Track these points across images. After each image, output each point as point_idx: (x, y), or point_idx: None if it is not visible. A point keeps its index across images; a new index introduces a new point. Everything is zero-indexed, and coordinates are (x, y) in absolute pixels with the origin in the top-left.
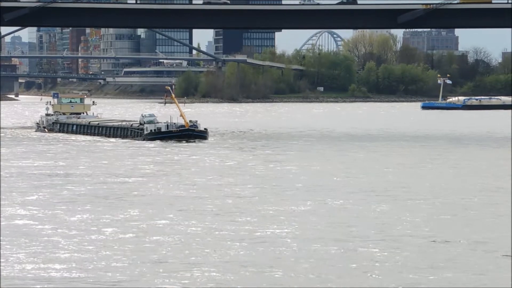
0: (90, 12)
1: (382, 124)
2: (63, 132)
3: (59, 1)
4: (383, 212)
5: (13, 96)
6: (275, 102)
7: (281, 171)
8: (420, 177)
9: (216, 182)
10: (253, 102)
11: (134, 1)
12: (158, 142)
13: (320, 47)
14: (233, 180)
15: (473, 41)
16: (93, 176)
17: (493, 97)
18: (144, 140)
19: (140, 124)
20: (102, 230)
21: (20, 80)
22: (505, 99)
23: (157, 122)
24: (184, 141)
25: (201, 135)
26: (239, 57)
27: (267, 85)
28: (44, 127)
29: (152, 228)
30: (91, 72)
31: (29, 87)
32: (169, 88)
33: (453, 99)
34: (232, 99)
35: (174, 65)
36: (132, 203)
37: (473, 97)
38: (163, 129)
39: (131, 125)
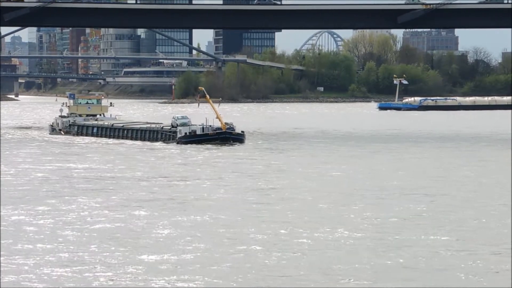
0: (90, 12)
1: (381, 125)
2: (81, 135)
3: (59, 1)
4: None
5: (13, 96)
6: (275, 102)
7: (336, 173)
8: (486, 179)
9: (277, 186)
10: (253, 102)
11: (134, 1)
12: (194, 145)
13: (320, 47)
14: (299, 183)
15: (473, 41)
16: (148, 180)
17: (448, 98)
18: (178, 143)
19: (173, 126)
20: (189, 236)
21: (20, 80)
22: (460, 100)
23: (191, 125)
24: (219, 144)
25: (239, 138)
26: (239, 57)
27: (267, 85)
28: (60, 129)
29: (255, 236)
30: (91, 72)
31: (29, 87)
32: (203, 88)
33: (409, 100)
34: (232, 99)
35: (174, 65)
36: (204, 208)
37: (429, 98)
38: (198, 132)
39: (162, 128)
